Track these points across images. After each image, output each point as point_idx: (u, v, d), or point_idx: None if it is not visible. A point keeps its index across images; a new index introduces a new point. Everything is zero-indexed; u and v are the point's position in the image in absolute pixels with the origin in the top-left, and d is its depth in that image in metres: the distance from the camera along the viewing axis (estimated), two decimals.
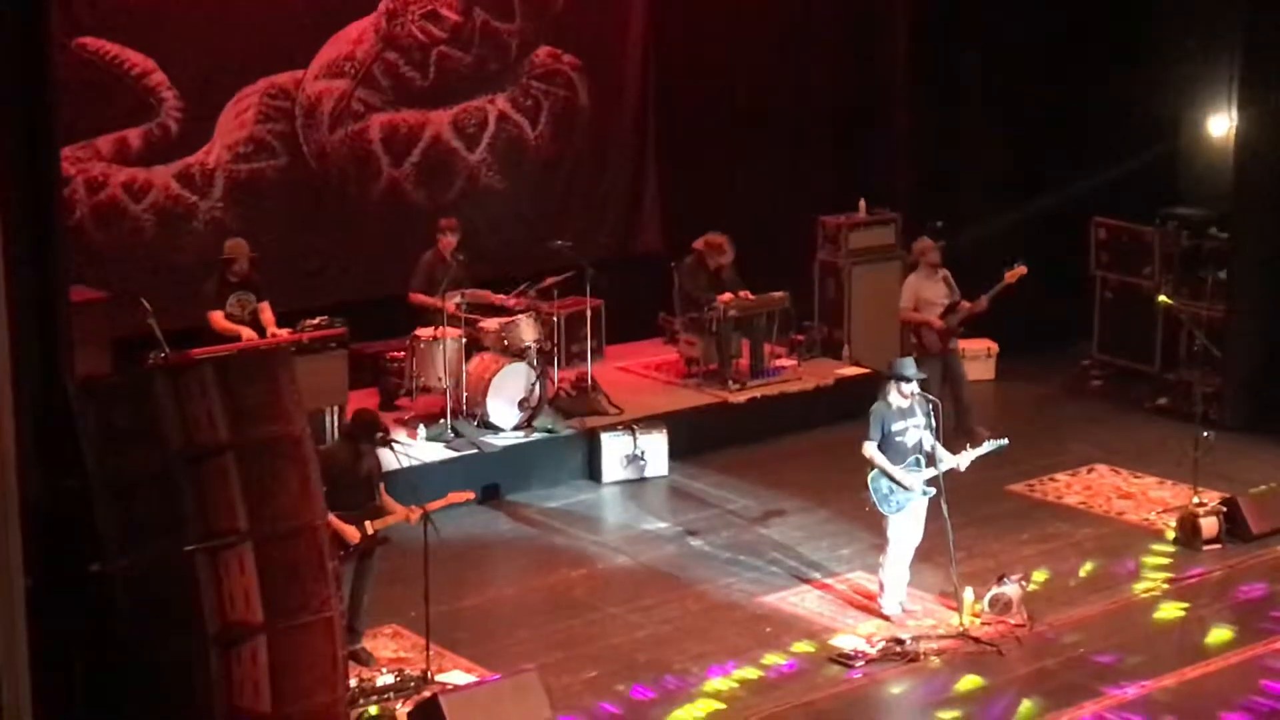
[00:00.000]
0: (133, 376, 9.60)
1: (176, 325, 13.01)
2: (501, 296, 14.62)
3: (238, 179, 14.84)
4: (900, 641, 11.11)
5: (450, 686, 10.38)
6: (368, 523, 10.63)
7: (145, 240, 14.48)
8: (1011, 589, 11.46)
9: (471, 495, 11.60)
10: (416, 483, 11.14)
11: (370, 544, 10.70)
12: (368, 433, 10.87)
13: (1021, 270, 14.23)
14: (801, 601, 11.89)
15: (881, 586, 11.58)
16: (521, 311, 14.49)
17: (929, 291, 14.49)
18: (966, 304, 14.45)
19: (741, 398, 15.16)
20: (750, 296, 15.24)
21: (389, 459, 11.17)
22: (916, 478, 11.29)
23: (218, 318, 13.35)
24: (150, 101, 14.39)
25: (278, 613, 8.58)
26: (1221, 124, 16.75)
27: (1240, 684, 10.67)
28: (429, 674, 10.58)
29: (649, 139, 17.01)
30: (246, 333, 13.29)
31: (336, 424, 13.24)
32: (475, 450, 13.81)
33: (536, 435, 14.15)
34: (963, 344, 15.06)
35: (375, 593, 10.98)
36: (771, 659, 11.03)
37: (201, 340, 13.00)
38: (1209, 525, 12.69)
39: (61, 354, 8.76)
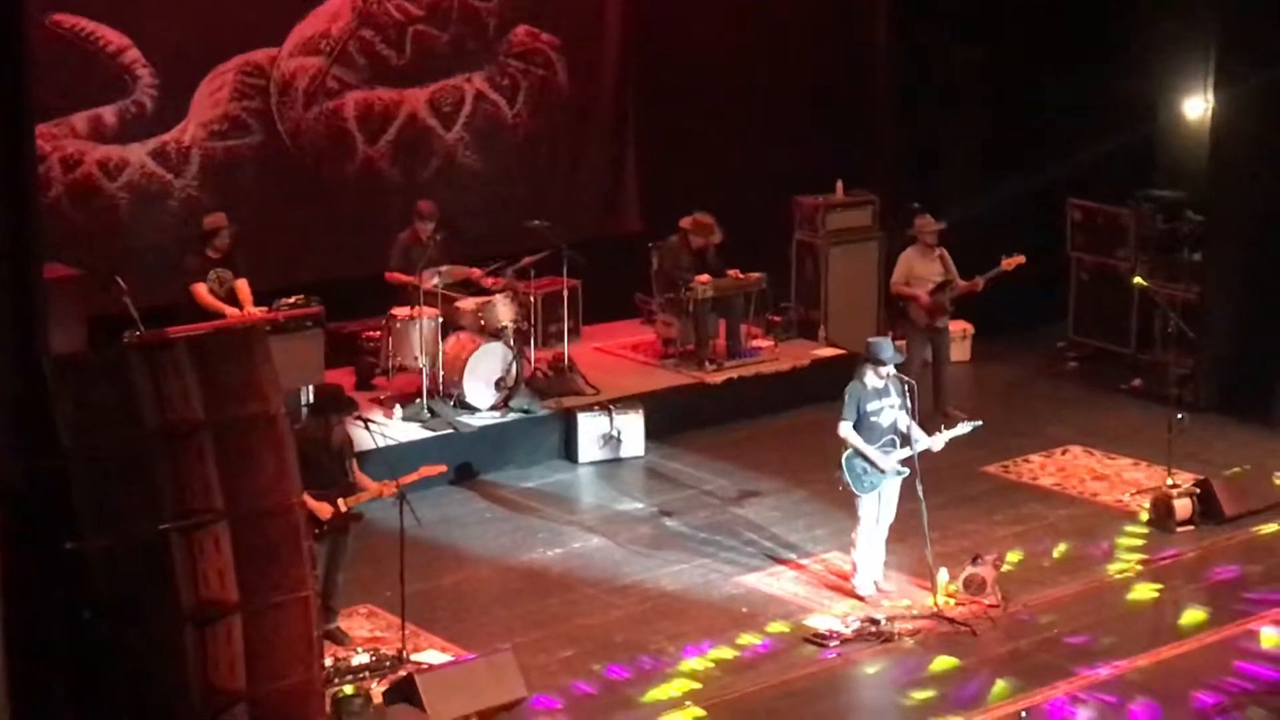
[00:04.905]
0: (108, 355, 9.55)
1: (152, 303, 12.97)
2: (479, 270, 14.59)
3: (213, 157, 14.79)
4: (875, 622, 11.14)
5: (425, 666, 10.38)
6: (340, 500, 10.62)
7: (120, 218, 14.43)
8: (985, 570, 11.50)
9: (443, 468, 11.59)
10: (393, 462, 11.13)
11: (343, 521, 10.69)
12: (334, 405, 10.86)
13: (1019, 259, 14.35)
14: (777, 582, 11.92)
15: (855, 567, 11.62)
16: (498, 291, 14.47)
17: (922, 268, 14.56)
18: (962, 283, 14.51)
19: (718, 378, 15.16)
20: (739, 275, 15.25)
21: (365, 438, 11.17)
22: (891, 458, 11.32)
23: (202, 291, 13.30)
24: (125, 79, 14.32)
25: (253, 591, 8.56)
26: (1197, 107, 16.80)
27: (1213, 665, 10.72)
28: (404, 653, 10.58)
29: (628, 119, 16.97)
30: (231, 311, 13.26)
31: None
32: (451, 430, 13.79)
33: (513, 415, 14.14)
34: None
35: (351, 572, 10.97)
36: (747, 639, 11.06)
37: (178, 317, 12.96)
38: (1183, 507, 12.73)
39: (37, 332, 8.73)
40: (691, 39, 16.94)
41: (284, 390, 9.30)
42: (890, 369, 11.32)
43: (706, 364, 15.23)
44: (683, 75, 16.90)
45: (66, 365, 8.52)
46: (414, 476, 10.87)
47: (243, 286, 13.52)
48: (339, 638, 10.81)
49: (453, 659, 10.57)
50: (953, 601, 11.41)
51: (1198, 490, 12.85)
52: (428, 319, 13.92)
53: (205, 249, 13.43)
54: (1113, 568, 12.16)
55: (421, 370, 13.91)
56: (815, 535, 12.61)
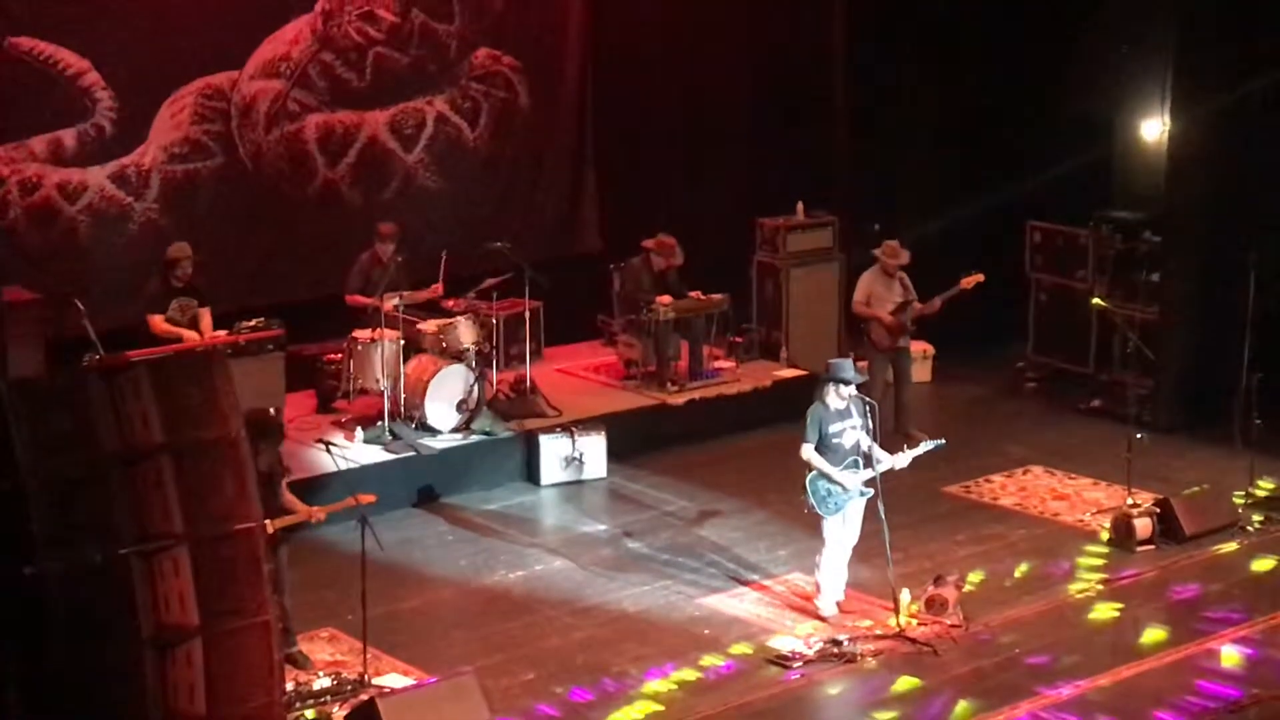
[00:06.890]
0: (67, 378, 9.52)
1: (111, 326, 12.94)
2: (437, 287, 14.55)
3: (173, 180, 14.75)
4: (837, 642, 11.15)
5: (387, 689, 10.35)
6: (268, 522, 10.53)
7: (80, 241, 14.38)
8: (947, 590, 11.52)
9: (373, 498, 11.28)
10: (354, 485, 11.08)
11: (270, 543, 10.61)
12: (260, 431, 10.75)
13: (978, 277, 14.40)
14: (739, 603, 11.91)
15: (818, 587, 11.62)
16: (460, 313, 14.46)
17: (882, 289, 14.62)
18: (919, 304, 14.56)
19: (680, 399, 15.18)
20: (701, 296, 15.29)
21: (326, 461, 11.11)
22: (854, 479, 11.34)
23: (158, 321, 13.29)
24: (85, 102, 14.28)
25: (213, 616, 8.53)
26: (1155, 128, 16.89)
27: (1174, 684, 10.75)
28: (366, 677, 10.54)
29: (588, 141, 17.01)
30: (188, 334, 13.24)
31: None
32: (413, 452, 13.77)
33: (475, 437, 14.12)
34: None
35: (310, 595, 10.93)
36: (709, 660, 11.05)
37: (138, 342, 12.92)
38: (1143, 526, 12.78)
39: None
40: (652, 61, 17.00)
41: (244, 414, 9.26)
42: (852, 389, 11.34)
43: (668, 385, 15.24)
44: (643, 97, 16.96)
45: (25, 389, 8.48)
46: (340, 506, 10.78)
47: (205, 316, 13.50)
48: (300, 661, 10.77)
49: (415, 682, 10.54)
50: (915, 622, 11.42)
51: (1158, 510, 12.90)
52: (389, 341, 13.90)
53: (169, 276, 13.41)
54: (1074, 587, 12.19)
55: (383, 392, 13.88)
56: (777, 556, 12.62)
